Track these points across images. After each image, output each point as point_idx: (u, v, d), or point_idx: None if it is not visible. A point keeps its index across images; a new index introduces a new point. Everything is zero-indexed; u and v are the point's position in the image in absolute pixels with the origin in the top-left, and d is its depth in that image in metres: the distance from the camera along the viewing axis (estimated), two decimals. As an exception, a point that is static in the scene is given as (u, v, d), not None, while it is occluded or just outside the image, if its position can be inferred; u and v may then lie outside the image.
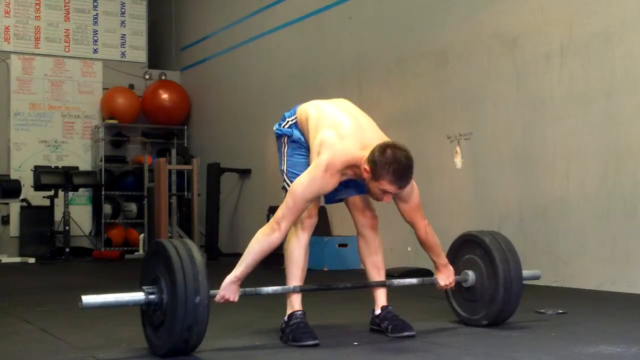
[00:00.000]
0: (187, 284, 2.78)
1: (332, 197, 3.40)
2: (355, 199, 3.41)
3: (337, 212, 8.03)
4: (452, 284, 3.48)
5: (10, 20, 10.78)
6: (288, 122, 3.44)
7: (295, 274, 3.25)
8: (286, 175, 3.38)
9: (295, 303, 3.23)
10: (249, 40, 9.81)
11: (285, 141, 3.42)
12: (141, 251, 9.75)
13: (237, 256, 10.78)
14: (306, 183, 3.08)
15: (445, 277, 3.46)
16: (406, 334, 3.22)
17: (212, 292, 2.95)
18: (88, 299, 2.88)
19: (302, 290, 3.24)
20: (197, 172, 9.46)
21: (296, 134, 3.39)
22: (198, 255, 2.89)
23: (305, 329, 3.12)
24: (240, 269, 3.06)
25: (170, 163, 9.54)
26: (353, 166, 3.11)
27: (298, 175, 3.20)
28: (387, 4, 7.48)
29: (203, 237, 9.70)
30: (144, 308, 2.97)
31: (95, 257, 9.74)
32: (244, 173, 9.85)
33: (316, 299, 5.13)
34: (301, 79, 8.78)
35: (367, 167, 3.01)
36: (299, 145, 3.38)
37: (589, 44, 5.37)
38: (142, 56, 11.61)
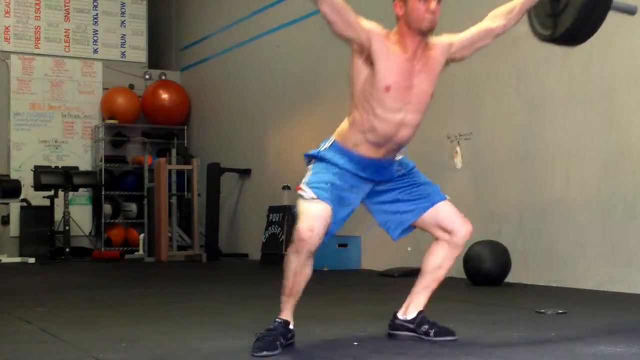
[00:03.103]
0: None
1: (403, 224, 3.15)
2: (439, 210, 3.18)
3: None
4: None
5: (10, 20, 10.78)
6: (321, 147, 3.13)
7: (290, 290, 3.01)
8: (306, 184, 2.99)
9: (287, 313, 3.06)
10: (248, 41, 9.81)
11: (312, 161, 3.13)
12: (141, 251, 9.75)
13: (237, 256, 10.77)
14: None
15: None
16: (450, 338, 3.11)
17: None
18: None
19: None
20: (197, 172, 9.47)
21: (328, 154, 3.06)
22: None
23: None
24: None
25: (170, 163, 9.55)
26: (391, 35, 3.03)
27: (320, 186, 2.94)
28: (387, 4, 7.47)
29: (203, 237, 9.70)
30: None
31: (95, 257, 9.74)
32: (244, 173, 9.85)
33: (316, 299, 5.14)
34: (301, 79, 8.78)
35: (395, 2, 3.06)
36: (331, 165, 3.05)
37: (589, 43, 5.36)
38: (142, 56, 11.61)
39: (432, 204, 3.19)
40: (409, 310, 3.19)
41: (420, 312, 3.18)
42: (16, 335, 3.51)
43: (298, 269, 2.92)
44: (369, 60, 2.95)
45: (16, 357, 2.97)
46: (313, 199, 2.91)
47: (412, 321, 3.17)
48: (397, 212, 3.20)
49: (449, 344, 3.07)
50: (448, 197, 3.24)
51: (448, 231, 3.15)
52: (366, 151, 3.03)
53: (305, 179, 3.03)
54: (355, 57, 2.99)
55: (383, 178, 3.14)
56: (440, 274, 3.14)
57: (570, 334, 3.33)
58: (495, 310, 4.33)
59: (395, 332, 3.21)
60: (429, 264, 3.15)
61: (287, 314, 3.05)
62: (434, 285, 3.16)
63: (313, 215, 2.87)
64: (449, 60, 3.11)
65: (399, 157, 3.17)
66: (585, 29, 3.30)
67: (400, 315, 3.21)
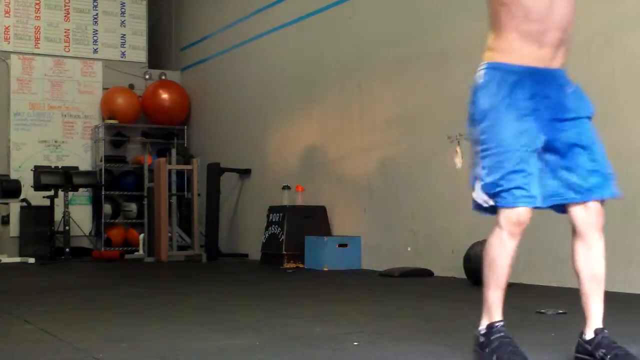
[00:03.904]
0: None
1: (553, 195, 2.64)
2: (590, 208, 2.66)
3: (337, 212, 8.03)
4: None
5: (10, 20, 10.77)
6: (478, 86, 2.72)
7: (501, 282, 2.65)
8: (481, 186, 2.64)
9: (495, 311, 2.66)
10: (249, 40, 9.81)
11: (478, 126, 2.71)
12: (141, 251, 9.75)
13: (237, 256, 10.77)
14: None
15: None
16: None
17: None
18: None
19: None
20: (197, 172, 9.46)
21: (486, 98, 2.68)
22: None
23: (514, 348, 2.57)
24: None
25: (170, 163, 9.54)
26: None
27: (511, 185, 2.52)
28: (387, 3, 7.48)
29: (203, 237, 9.70)
30: None
31: (95, 257, 9.74)
32: (244, 173, 9.84)
33: (316, 299, 5.13)
34: (301, 79, 8.78)
35: None
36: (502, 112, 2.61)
37: (589, 44, 5.37)
38: (142, 56, 11.61)
39: (586, 200, 2.63)
40: (586, 328, 2.68)
41: (598, 331, 2.64)
42: (16, 335, 3.51)
43: (511, 254, 2.61)
44: None
45: (16, 357, 2.97)
46: (511, 208, 2.56)
47: (590, 342, 2.65)
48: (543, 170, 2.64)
49: (450, 343, 3.07)
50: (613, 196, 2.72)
51: (576, 214, 2.67)
52: (526, 54, 2.59)
53: (480, 170, 2.65)
54: None
55: (552, 98, 2.63)
56: (595, 272, 2.65)
57: (570, 334, 3.33)
58: (495, 310, 4.33)
59: (579, 355, 2.69)
60: (578, 266, 2.68)
61: (501, 313, 2.67)
62: (596, 290, 2.66)
63: (519, 216, 2.56)
64: None
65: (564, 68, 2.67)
66: None
67: (586, 334, 2.68)
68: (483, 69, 2.68)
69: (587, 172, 2.63)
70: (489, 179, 2.61)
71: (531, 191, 2.56)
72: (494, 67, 2.65)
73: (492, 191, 2.59)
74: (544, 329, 3.49)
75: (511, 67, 2.62)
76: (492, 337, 2.60)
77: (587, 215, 2.65)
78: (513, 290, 5.28)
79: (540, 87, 2.62)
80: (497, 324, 2.63)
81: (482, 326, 2.67)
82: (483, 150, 2.65)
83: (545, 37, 2.59)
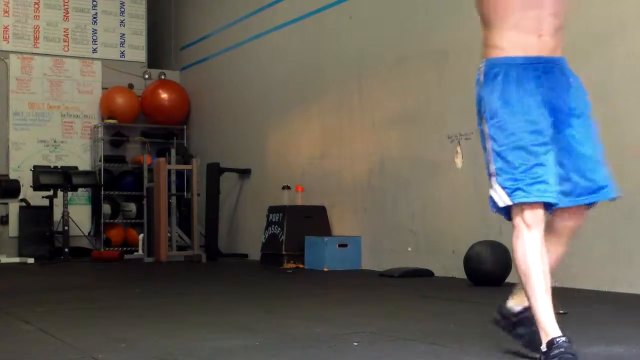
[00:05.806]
0: None
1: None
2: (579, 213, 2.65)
3: (337, 212, 8.02)
4: None
5: (9, 20, 10.76)
6: (480, 77, 2.56)
7: (539, 286, 2.44)
8: (500, 182, 2.47)
9: (549, 325, 2.43)
10: (248, 40, 9.81)
11: (484, 116, 2.55)
12: (140, 251, 9.74)
13: (237, 256, 10.76)
14: None
15: None
16: (537, 355, 2.49)
17: None
18: None
19: None
20: (197, 172, 9.46)
21: (493, 92, 2.51)
22: None
23: None
24: None
25: (169, 163, 9.53)
26: None
27: (520, 179, 2.41)
28: (387, 3, 7.47)
29: (203, 237, 9.69)
30: None
31: (94, 257, 9.73)
32: (244, 173, 9.84)
33: (316, 299, 5.13)
34: (301, 79, 8.78)
35: None
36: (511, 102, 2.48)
37: (589, 44, 5.36)
38: (141, 56, 11.60)
39: (579, 204, 2.61)
40: (517, 300, 2.69)
41: (526, 309, 2.61)
42: (16, 335, 3.51)
43: (542, 249, 2.44)
44: None
45: (16, 357, 2.96)
46: (526, 205, 2.43)
47: (517, 314, 2.68)
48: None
49: (450, 343, 3.06)
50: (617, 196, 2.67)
51: (559, 216, 2.61)
52: (527, 45, 2.50)
53: (493, 165, 2.50)
54: None
55: (558, 91, 2.55)
56: (551, 266, 2.55)
57: (570, 334, 3.32)
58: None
59: (499, 320, 2.74)
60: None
61: (557, 328, 2.43)
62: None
63: (540, 212, 2.44)
64: None
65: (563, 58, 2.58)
66: None
67: (515, 306, 2.69)
68: (484, 65, 2.55)
69: (585, 173, 2.56)
70: (508, 175, 2.46)
71: (554, 185, 2.46)
72: (495, 63, 2.53)
73: (513, 186, 2.43)
74: (545, 329, 3.47)
75: (514, 60, 2.51)
76: (552, 354, 2.35)
77: (574, 219, 2.62)
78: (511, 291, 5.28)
79: (546, 78, 2.53)
80: (557, 339, 2.38)
81: (543, 345, 2.42)
82: (498, 147, 2.48)
83: (543, 24, 2.50)
